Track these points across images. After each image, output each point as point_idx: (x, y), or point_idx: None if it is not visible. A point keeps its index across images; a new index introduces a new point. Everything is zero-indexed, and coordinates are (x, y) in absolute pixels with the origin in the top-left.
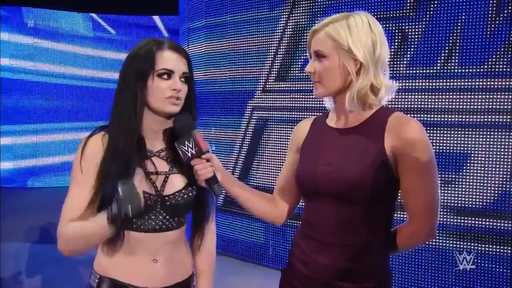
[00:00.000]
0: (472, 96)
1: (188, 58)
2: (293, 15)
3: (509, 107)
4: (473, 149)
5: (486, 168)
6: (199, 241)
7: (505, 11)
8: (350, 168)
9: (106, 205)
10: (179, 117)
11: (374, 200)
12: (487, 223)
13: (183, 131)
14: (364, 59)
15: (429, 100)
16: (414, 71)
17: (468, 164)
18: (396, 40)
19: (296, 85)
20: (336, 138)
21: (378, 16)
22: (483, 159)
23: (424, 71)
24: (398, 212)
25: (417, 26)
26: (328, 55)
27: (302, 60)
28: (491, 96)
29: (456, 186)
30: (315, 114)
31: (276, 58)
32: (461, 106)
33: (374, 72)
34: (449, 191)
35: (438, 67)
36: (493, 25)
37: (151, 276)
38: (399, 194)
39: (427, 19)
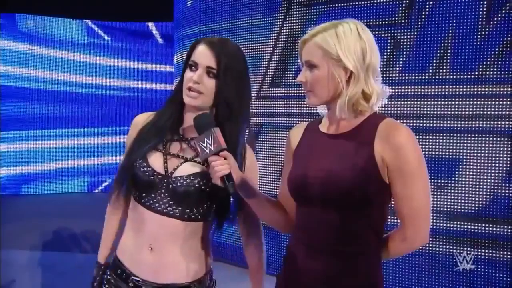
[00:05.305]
0: (464, 102)
1: (221, 54)
2: (287, 21)
3: (500, 112)
4: (465, 154)
5: (478, 174)
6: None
7: (495, 18)
8: (341, 174)
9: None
10: (199, 115)
11: (365, 206)
12: (480, 228)
13: (202, 129)
14: (354, 67)
15: (422, 106)
16: (407, 78)
17: (461, 170)
18: (388, 47)
19: (291, 91)
20: (327, 144)
21: (371, 23)
22: (475, 164)
23: (416, 77)
24: (392, 217)
25: (409, 33)
26: (318, 65)
27: (296, 66)
28: (483, 102)
29: (449, 191)
30: (310, 120)
31: (271, 65)
32: (453, 112)
33: (365, 79)
34: (442, 196)
35: (430, 74)
36: (483, 32)
37: (142, 265)
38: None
39: (419, 26)
